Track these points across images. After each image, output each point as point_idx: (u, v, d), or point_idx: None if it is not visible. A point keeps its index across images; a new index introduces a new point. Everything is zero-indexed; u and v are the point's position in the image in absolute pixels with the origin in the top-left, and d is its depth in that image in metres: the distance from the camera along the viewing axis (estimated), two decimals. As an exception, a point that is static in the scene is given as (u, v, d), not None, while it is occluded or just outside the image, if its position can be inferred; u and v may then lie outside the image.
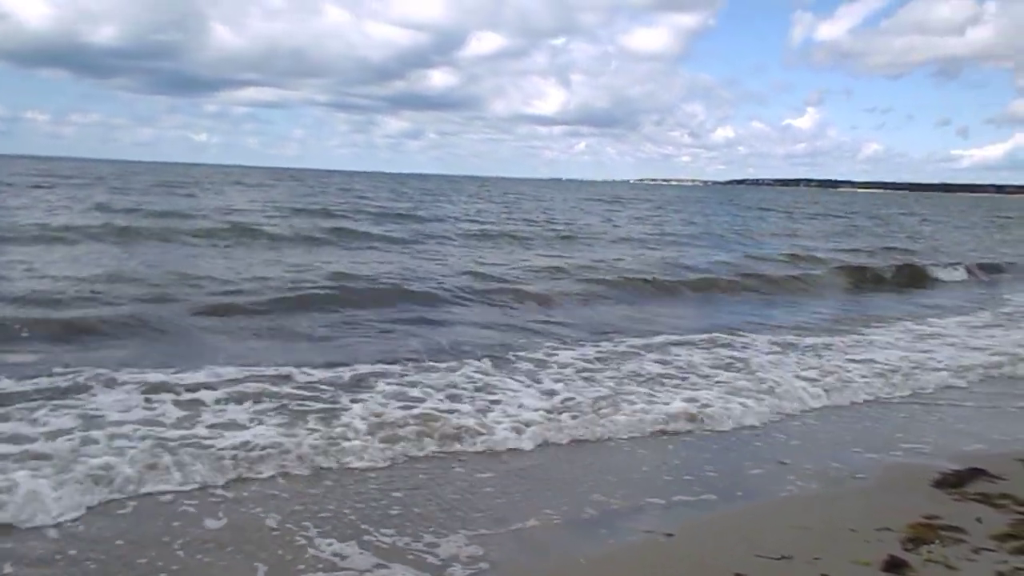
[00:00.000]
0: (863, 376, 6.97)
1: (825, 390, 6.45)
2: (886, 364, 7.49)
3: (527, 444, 4.99)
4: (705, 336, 8.51)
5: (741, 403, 5.91)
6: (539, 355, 7.27)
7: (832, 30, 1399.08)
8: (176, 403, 5.26)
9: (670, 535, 3.72)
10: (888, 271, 16.22)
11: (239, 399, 5.41)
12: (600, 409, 5.59)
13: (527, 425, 5.20)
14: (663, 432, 5.34)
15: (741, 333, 8.85)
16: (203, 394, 5.46)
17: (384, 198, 37.98)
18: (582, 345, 7.82)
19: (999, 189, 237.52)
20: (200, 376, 5.86)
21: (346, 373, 6.25)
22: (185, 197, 29.69)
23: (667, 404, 5.80)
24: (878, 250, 20.71)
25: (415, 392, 5.80)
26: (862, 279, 15.27)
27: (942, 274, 16.48)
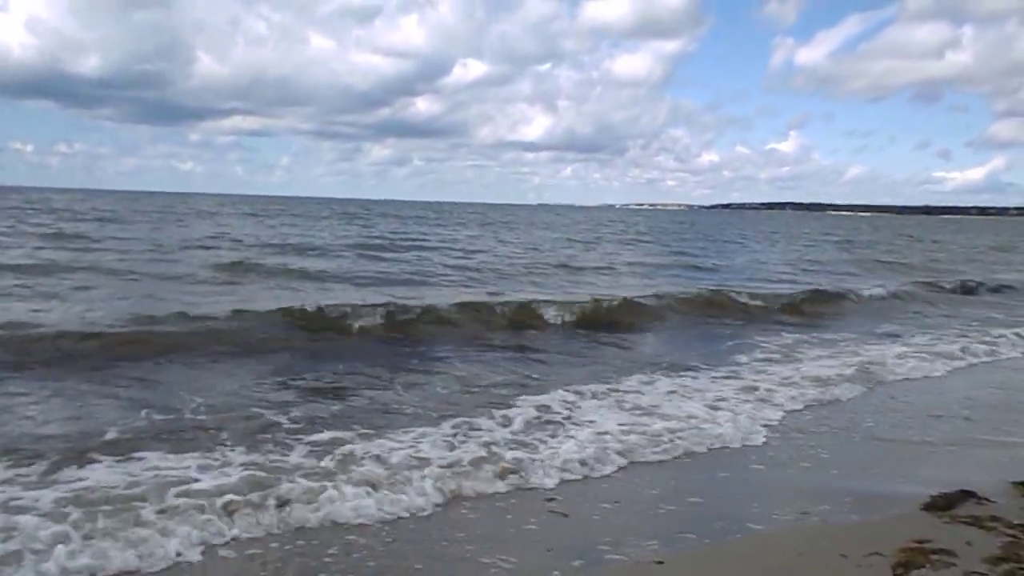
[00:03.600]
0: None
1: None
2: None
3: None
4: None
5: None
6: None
7: (812, 55, 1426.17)
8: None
9: (660, 562, 3.67)
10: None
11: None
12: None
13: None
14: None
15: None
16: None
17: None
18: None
19: (982, 211, 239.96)
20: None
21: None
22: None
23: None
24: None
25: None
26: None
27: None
